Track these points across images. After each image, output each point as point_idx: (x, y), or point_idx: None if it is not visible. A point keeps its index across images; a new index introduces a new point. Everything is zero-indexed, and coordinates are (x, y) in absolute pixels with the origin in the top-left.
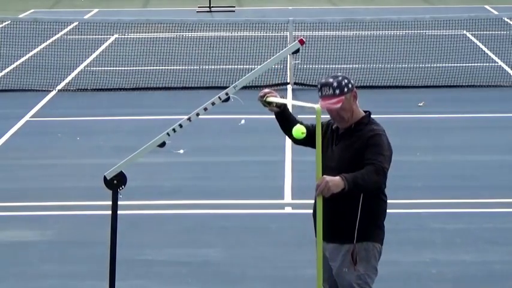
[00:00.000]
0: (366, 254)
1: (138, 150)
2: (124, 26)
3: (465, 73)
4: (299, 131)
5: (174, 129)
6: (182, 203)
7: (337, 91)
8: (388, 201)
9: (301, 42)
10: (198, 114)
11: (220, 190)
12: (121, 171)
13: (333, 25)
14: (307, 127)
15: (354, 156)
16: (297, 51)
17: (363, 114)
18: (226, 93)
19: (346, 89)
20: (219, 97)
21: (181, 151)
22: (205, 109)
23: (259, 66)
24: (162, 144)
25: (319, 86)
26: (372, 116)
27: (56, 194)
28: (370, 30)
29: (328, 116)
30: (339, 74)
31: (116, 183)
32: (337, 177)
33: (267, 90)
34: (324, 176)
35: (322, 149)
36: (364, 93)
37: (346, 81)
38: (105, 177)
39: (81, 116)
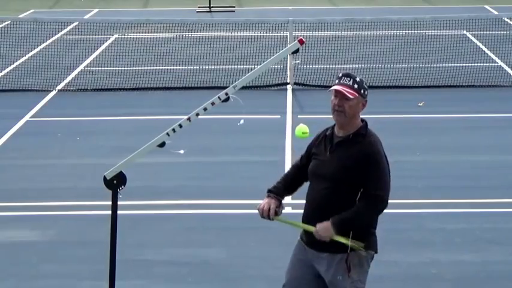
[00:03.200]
0: (359, 260)
1: (138, 150)
2: (124, 26)
3: (465, 73)
4: (300, 130)
5: (173, 129)
6: (182, 203)
7: (356, 86)
8: None
9: (301, 42)
10: (197, 114)
11: (220, 190)
12: (121, 171)
13: (333, 25)
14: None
15: (352, 168)
16: (297, 51)
17: (361, 124)
18: (226, 93)
19: (362, 91)
20: (219, 97)
21: (182, 151)
22: (205, 109)
23: (258, 66)
24: (162, 145)
25: (340, 75)
26: (368, 123)
27: (56, 194)
28: (370, 30)
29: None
30: None
31: (116, 183)
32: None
33: (268, 211)
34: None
35: (316, 156)
36: None
37: (366, 86)
38: (104, 177)
39: (81, 116)
